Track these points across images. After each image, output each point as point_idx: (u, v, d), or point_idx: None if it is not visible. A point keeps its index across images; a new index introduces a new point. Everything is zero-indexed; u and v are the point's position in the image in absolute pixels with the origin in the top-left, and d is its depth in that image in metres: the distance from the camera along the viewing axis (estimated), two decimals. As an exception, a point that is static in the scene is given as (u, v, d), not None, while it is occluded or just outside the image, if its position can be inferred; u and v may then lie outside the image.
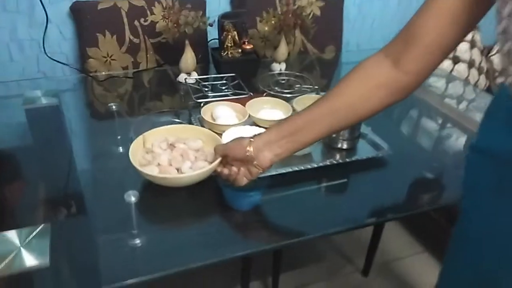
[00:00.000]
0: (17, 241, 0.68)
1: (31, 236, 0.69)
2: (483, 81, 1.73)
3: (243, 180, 0.78)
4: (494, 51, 1.74)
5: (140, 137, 0.84)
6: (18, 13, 1.30)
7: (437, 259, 1.66)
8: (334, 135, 0.97)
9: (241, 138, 0.77)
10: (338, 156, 0.95)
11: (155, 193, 0.80)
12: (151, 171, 0.78)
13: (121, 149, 0.95)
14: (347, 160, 0.93)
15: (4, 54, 1.34)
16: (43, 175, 0.90)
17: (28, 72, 1.39)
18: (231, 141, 0.79)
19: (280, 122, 0.75)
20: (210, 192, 0.82)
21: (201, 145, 0.86)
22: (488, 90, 1.66)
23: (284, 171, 0.87)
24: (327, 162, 0.91)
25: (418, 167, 0.98)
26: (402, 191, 0.91)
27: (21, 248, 0.67)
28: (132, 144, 0.81)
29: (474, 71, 1.70)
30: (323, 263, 1.64)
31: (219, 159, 0.78)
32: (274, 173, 0.85)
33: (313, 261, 1.64)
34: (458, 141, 1.13)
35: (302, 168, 0.88)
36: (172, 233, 0.76)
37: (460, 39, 0.62)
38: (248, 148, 0.74)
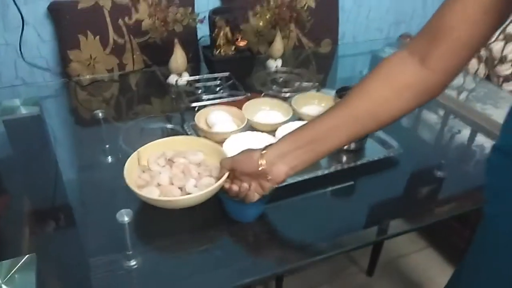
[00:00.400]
0: (-3, 277, 0.60)
1: (14, 270, 0.61)
2: (482, 70, 1.68)
3: (255, 196, 0.70)
4: (493, 39, 1.69)
5: (135, 153, 0.76)
6: (-11, 15, 1.21)
7: (441, 254, 1.62)
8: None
9: (251, 150, 0.69)
10: (346, 159, 0.89)
11: (150, 209, 0.72)
12: (152, 193, 0.70)
13: (110, 158, 0.89)
14: (358, 163, 0.87)
15: (-22, 61, 1.25)
16: (27, 190, 0.83)
17: (6, 79, 1.30)
18: (239, 154, 0.71)
19: (294, 131, 0.67)
20: (210, 204, 0.74)
21: (202, 158, 0.78)
22: (488, 78, 1.61)
23: (291, 181, 0.79)
24: (334, 168, 0.85)
25: (431, 166, 0.92)
26: (416, 194, 0.85)
27: (3, 285, 0.59)
28: (126, 163, 0.73)
29: (473, 60, 1.65)
30: (326, 264, 1.59)
31: (226, 174, 0.70)
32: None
33: (316, 263, 1.59)
34: (467, 135, 1.07)
35: (307, 177, 0.81)
36: (170, 252, 0.69)
37: (492, 32, 0.55)
38: (260, 162, 0.66)
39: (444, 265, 1.59)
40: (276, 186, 0.69)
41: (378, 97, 0.61)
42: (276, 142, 0.68)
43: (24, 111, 1.03)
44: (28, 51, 1.27)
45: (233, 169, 0.70)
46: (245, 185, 0.69)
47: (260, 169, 0.66)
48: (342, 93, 0.91)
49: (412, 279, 1.55)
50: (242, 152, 0.70)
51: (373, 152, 0.90)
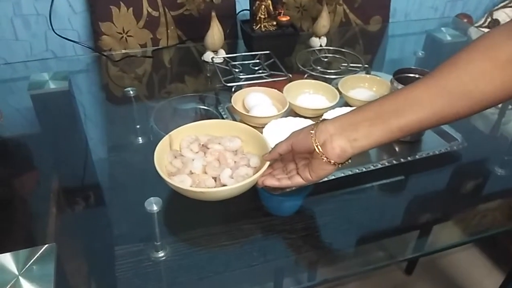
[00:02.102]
0: (14, 268, 0.55)
1: (31, 260, 0.56)
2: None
3: (298, 180, 0.61)
4: None
5: (166, 137, 0.69)
6: (21, -17, 1.16)
7: (486, 255, 1.51)
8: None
9: (308, 125, 0.60)
10: (400, 152, 0.78)
11: (181, 197, 0.65)
12: (183, 182, 0.63)
13: (140, 139, 0.84)
14: (416, 157, 0.76)
15: (8, 31, 1.21)
16: (55, 167, 0.79)
17: (36, 51, 1.26)
18: (293, 133, 0.62)
19: (367, 103, 0.56)
20: (245, 195, 0.66)
21: (239, 144, 0.70)
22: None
23: (333, 177, 0.70)
24: (388, 162, 0.74)
25: (499, 161, 0.80)
26: (480, 197, 0.74)
27: (20, 277, 0.54)
28: (157, 148, 0.66)
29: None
30: (362, 257, 1.51)
31: (267, 164, 0.63)
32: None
33: (351, 254, 1.50)
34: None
35: (350, 173, 0.72)
36: (200, 245, 0.62)
37: None
38: (313, 132, 0.56)
39: (489, 266, 1.47)
40: (330, 168, 0.58)
41: (476, 70, 0.50)
42: (339, 115, 0.57)
43: (52, 85, 0.98)
44: (59, 23, 1.22)
45: (289, 147, 0.61)
46: (292, 165, 0.61)
47: (312, 136, 0.56)
48: (399, 75, 0.80)
49: (455, 281, 1.44)
50: (301, 129, 0.60)
51: (432, 145, 0.79)
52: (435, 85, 0.51)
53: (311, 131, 0.57)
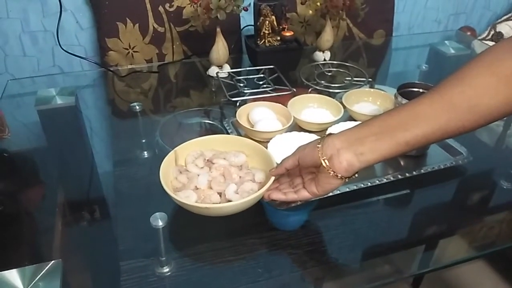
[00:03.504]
0: (20, 285, 0.55)
1: (37, 277, 0.56)
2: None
3: (305, 194, 0.61)
4: None
5: (171, 153, 0.70)
6: (29, 0, 1.17)
7: (493, 268, 1.48)
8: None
9: (315, 140, 0.60)
10: (406, 166, 0.78)
11: (186, 211, 0.66)
12: (189, 197, 0.63)
13: (146, 154, 0.84)
14: (422, 171, 0.76)
15: (17, 47, 1.22)
16: (61, 182, 0.80)
17: (43, 67, 1.27)
18: (299, 147, 0.62)
19: (371, 118, 0.57)
20: (250, 210, 0.66)
21: (244, 160, 0.70)
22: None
23: (338, 191, 0.70)
24: (393, 177, 0.74)
25: (505, 175, 0.80)
26: (487, 212, 0.74)
27: (25, 293, 0.54)
28: (162, 163, 0.67)
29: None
30: (368, 273, 1.49)
31: (272, 179, 0.63)
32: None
33: (357, 270, 1.49)
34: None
35: (358, 186, 0.72)
36: (205, 260, 0.62)
37: None
38: (319, 146, 0.57)
39: (497, 279, 1.45)
40: (336, 183, 0.58)
41: (480, 84, 0.50)
42: (344, 130, 0.57)
43: (59, 101, 0.99)
44: (66, 39, 1.24)
45: (296, 162, 0.61)
46: (298, 180, 0.61)
47: (319, 150, 0.57)
48: (404, 90, 0.80)
49: (463, 295, 1.42)
50: (308, 144, 0.61)
51: (437, 159, 0.79)
52: (439, 100, 0.52)
53: (317, 146, 0.57)
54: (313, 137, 0.77)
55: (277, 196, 0.63)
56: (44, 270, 0.57)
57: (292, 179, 0.65)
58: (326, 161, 0.56)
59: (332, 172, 0.56)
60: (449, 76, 0.53)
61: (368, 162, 0.55)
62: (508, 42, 0.52)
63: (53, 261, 0.58)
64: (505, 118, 1.01)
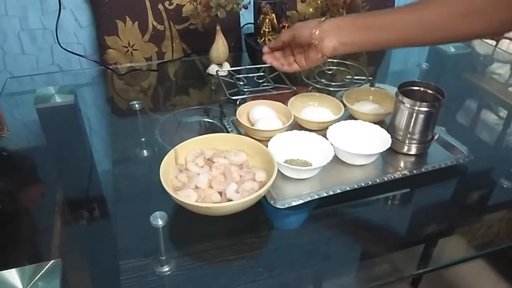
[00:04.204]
0: (19, 285, 0.55)
1: (37, 277, 0.56)
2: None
3: (295, 66, 0.79)
4: None
5: (171, 152, 0.69)
6: (28, -2, 1.17)
7: (493, 267, 1.48)
8: (400, 137, 0.79)
9: (311, 20, 0.74)
10: (405, 165, 0.78)
11: (186, 210, 0.65)
12: (189, 197, 0.63)
13: (145, 152, 0.84)
14: (422, 170, 0.76)
15: (15, 46, 1.22)
16: (60, 180, 0.80)
17: (42, 65, 1.27)
18: (297, 25, 0.77)
19: (356, 14, 0.72)
20: (250, 209, 0.66)
21: (245, 158, 0.70)
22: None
23: (338, 190, 0.70)
24: (393, 176, 0.74)
25: (505, 173, 0.80)
26: (487, 211, 0.73)
27: (24, 293, 0.54)
28: (162, 162, 0.66)
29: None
30: (368, 272, 1.49)
31: (273, 178, 0.63)
32: (324, 194, 0.69)
33: (357, 269, 1.49)
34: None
35: (358, 186, 0.72)
36: (205, 259, 0.62)
37: None
38: (314, 30, 0.71)
39: (496, 278, 1.45)
40: (321, 59, 0.74)
41: (454, 11, 0.60)
42: (334, 18, 0.72)
43: (58, 99, 0.98)
44: (65, 37, 1.23)
45: (292, 37, 0.76)
46: (290, 58, 0.79)
47: (313, 34, 0.71)
48: (405, 88, 0.80)
49: (463, 294, 1.42)
50: (306, 24, 0.75)
51: (437, 158, 0.79)
52: (416, 15, 0.63)
53: (314, 31, 0.71)
54: (312, 135, 0.77)
55: (273, 63, 0.82)
56: (44, 270, 0.57)
57: (285, 55, 0.82)
58: (317, 43, 0.72)
59: (320, 54, 0.73)
60: None
61: (348, 51, 0.72)
62: None
63: (52, 261, 0.58)
64: (504, 116, 1.02)
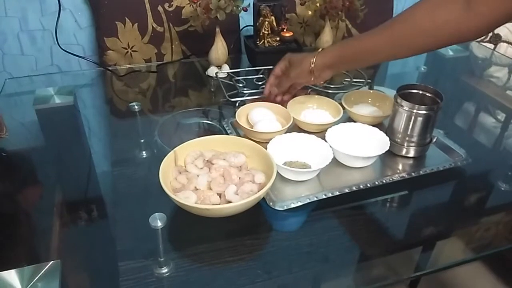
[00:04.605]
0: (18, 285, 0.55)
1: (36, 277, 0.56)
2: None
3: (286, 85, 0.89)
4: None
5: (171, 153, 0.69)
6: (28, -1, 1.17)
7: (491, 269, 1.48)
8: (399, 140, 0.80)
9: (305, 57, 0.82)
10: (403, 167, 0.78)
11: (185, 212, 0.66)
12: (188, 198, 0.63)
13: (144, 154, 0.84)
14: (421, 173, 0.76)
15: (15, 46, 1.22)
16: (59, 181, 0.80)
17: (41, 66, 1.27)
18: (295, 55, 0.87)
19: (339, 45, 0.79)
20: (249, 210, 0.66)
21: (244, 160, 0.70)
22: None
23: (337, 193, 0.71)
24: (392, 178, 0.74)
25: (503, 176, 0.80)
26: (485, 214, 0.74)
27: (24, 294, 0.54)
28: (162, 164, 0.67)
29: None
30: (367, 274, 1.49)
31: (272, 180, 0.64)
32: (323, 196, 0.70)
33: (355, 271, 1.49)
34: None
35: (357, 188, 0.72)
36: (204, 261, 0.62)
37: None
38: (312, 66, 0.80)
39: (494, 281, 1.45)
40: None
41: (420, 27, 0.66)
42: (324, 53, 0.80)
43: (57, 100, 0.99)
44: (65, 38, 1.23)
45: (289, 61, 0.87)
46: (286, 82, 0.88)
47: (311, 68, 0.80)
48: (403, 91, 0.80)
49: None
50: (298, 53, 0.87)
51: (436, 160, 0.79)
52: (388, 38, 0.70)
53: (310, 69, 0.81)
54: (311, 138, 0.77)
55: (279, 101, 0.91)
56: (43, 271, 0.57)
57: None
58: (313, 78, 0.83)
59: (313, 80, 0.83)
60: (400, 14, 0.69)
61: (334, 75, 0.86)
62: None
63: (51, 262, 0.58)
64: (503, 119, 1.02)
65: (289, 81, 0.87)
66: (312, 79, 0.82)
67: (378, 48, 0.72)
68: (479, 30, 0.63)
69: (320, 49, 0.82)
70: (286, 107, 0.87)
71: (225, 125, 0.88)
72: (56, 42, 1.19)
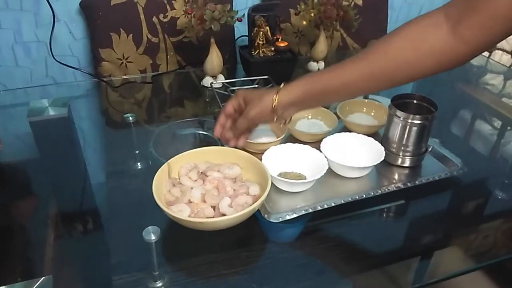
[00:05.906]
0: (9, 302, 0.54)
1: (27, 294, 0.55)
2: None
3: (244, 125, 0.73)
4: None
5: (165, 165, 0.69)
6: (22, 11, 1.17)
7: (490, 278, 1.47)
8: (394, 150, 0.80)
9: (264, 93, 0.70)
10: (399, 177, 0.78)
11: (179, 225, 0.65)
12: (182, 212, 0.62)
13: (139, 165, 0.83)
14: (417, 182, 0.76)
15: (9, 58, 1.22)
16: (53, 193, 0.79)
17: (36, 77, 1.26)
18: (251, 91, 0.75)
19: (308, 77, 0.68)
20: (244, 222, 0.66)
21: (239, 172, 0.69)
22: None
23: (333, 204, 0.70)
24: (388, 189, 0.74)
25: (499, 185, 0.80)
26: (483, 224, 0.73)
27: (15, 311, 0.53)
28: (155, 177, 0.66)
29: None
30: (362, 283, 1.48)
31: (266, 192, 0.63)
32: (319, 208, 0.69)
33: (352, 282, 1.47)
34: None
35: (353, 199, 0.72)
36: (199, 274, 0.61)
37: None
38: (274, 104, 0.68)
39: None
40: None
41: (400, 59, 0.59)
42: (287, 88, 0.68)
43: (52, 112, 0.98)
44: (59, 49, 1.23)
45: (245, 103, 0.73)
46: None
47: (273, 106, 0.68)
48: (398, 101, 0.80)
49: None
50: (253, 93, 0.74)
51: (432, 170, 0.79)
52: (365, 71, 0.62)
53: (273, 107, 0.68)
54: (306, 148, 0.77)
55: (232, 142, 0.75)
56: (34, 287, 0.56)
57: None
58: (276, 118, 0.70)
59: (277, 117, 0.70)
60: (378, 43, 0.61)
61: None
62: (430, 17, 0.58)
63: (43, 278, 0.57)
64: (499, 127, 1.02)
65: (247, 122, 0.72)
66: (275, 118, 0.70)
67: (352, 81, 0.63)
68: (463, 57, 0.58)
69: (282, 85, 0.70)
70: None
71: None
72: (50, 54, 1.18)
